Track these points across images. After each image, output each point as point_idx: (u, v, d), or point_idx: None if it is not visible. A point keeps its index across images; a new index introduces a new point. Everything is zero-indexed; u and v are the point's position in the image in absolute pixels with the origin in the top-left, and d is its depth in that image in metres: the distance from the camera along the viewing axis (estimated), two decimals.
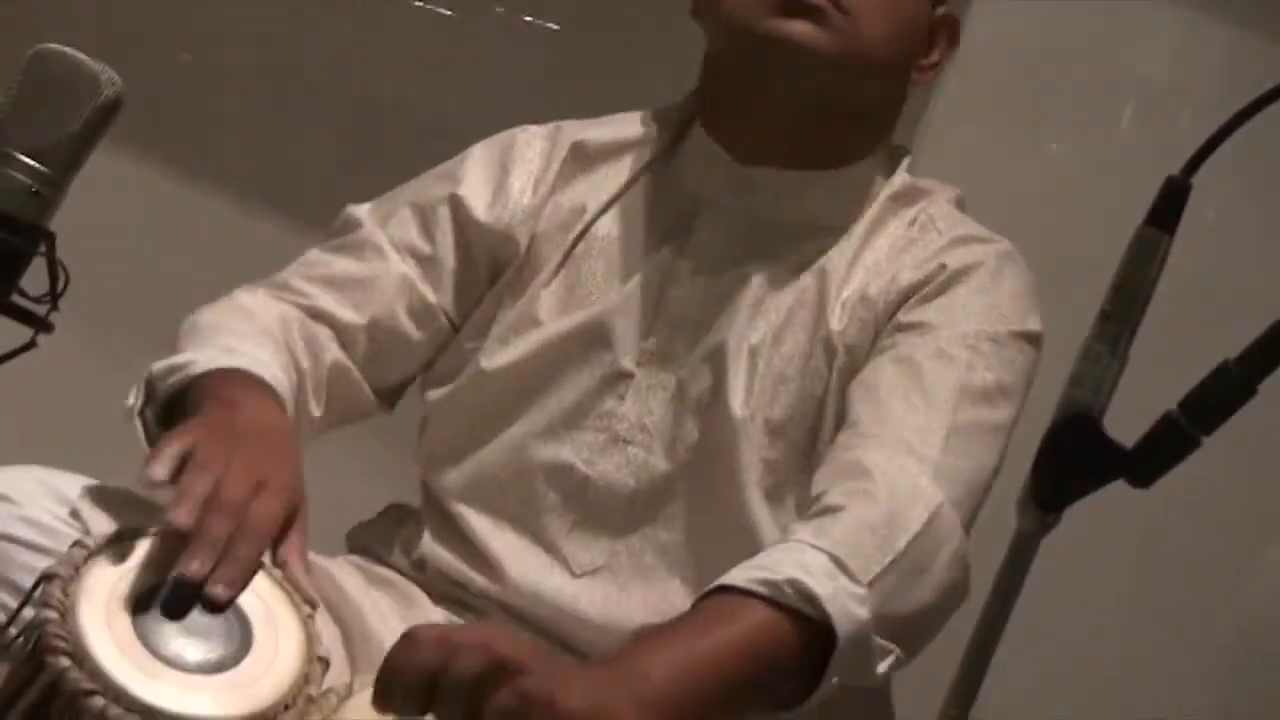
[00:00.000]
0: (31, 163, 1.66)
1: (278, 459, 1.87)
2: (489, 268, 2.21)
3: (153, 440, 1.97)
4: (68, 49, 1.70)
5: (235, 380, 1.97)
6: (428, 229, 2.21)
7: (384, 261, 2.19)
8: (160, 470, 1.79)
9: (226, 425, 1.88)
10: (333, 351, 2.15)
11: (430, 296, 2.20)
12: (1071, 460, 1.43)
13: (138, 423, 2.01)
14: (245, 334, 2.06)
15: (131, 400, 2.00)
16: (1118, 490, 1.47)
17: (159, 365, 1.99)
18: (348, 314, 2.17)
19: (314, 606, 1.85)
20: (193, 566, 1.76)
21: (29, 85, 1.68)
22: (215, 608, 1.80)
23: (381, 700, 1.69)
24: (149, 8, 2.80)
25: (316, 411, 2.14)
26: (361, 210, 2.23)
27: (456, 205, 2.21)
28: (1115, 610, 2.57)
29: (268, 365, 2.02)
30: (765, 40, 2.12)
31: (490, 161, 2.24)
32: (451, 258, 2.20)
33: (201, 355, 1.99)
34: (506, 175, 2.23)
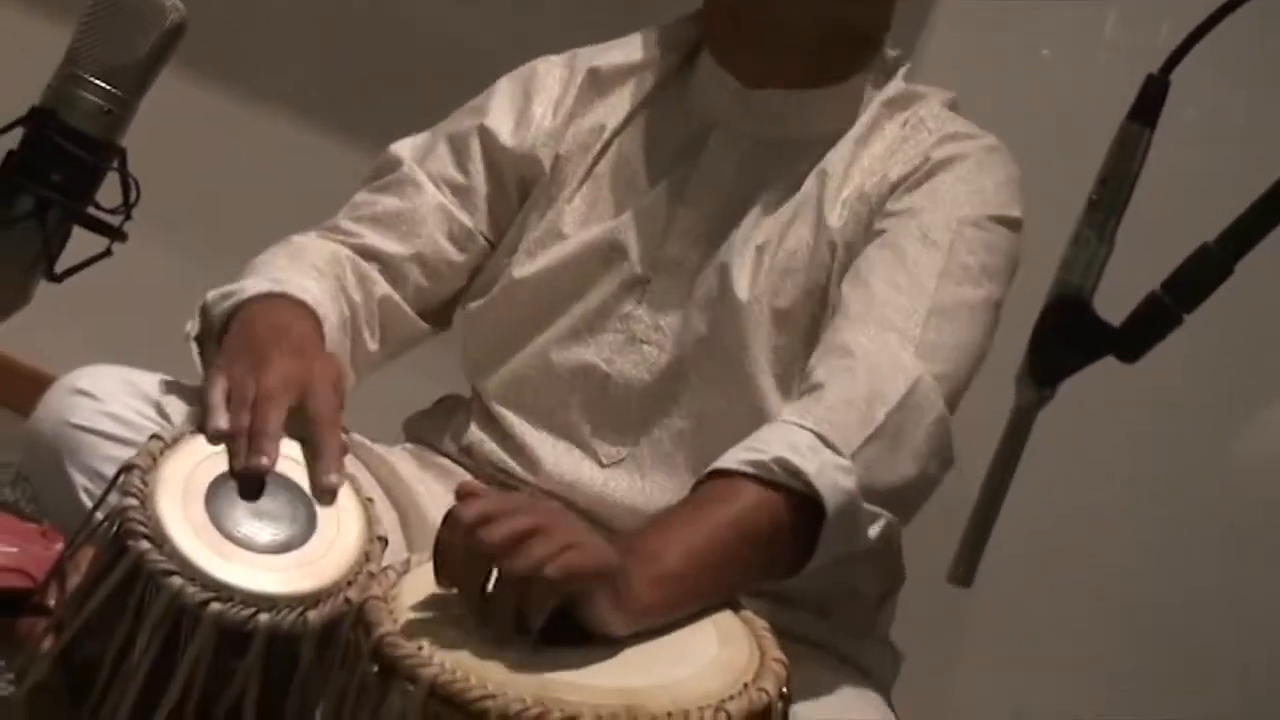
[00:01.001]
0: (103, 84, 1.66)
1: (289, 365, 1.88)
2: (519, 189, 2.22)
3: (208, 363, 2.00)
4: None
5: (274, 305, 1.99)
6: (461, 160, 2.22)
7: (422, 195, 2.21)
8: (221, 422, 1.84)
9: (249, 352, 1.90)
10: (383, 286, 2.17)
11: (468, 221, 2.21)
12: (1063, 338, 1.44)
13: (193, 347, 2.03)
14: (295, 268, 2.08)
15: (189, 328, 2.03)
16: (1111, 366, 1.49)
17: (212, 294, 2.02)
18: (394, 247, 2.19)
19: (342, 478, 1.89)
20: (261, 461, 1.81)
21: (100, 13, 1.67)
22: (260, 489, 1.84)
23: (439, 576, 1.73)
24: None
25: (373, 345, 2.16)
26: (400, 148, 2.25)
27: (485, 135, 2.22)
28: (1112, 482, 2.58)
29: (311, 292, 2.04)
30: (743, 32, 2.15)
31: (514, 92, 2.25)
32: (484, 184, 2.22)
33: (250, 284, 2.01)
34: (529, 102, 2.24)
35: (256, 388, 1.86)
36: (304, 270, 2.08)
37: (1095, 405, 2.22)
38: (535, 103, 2.24)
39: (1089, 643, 2.61)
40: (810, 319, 2.10)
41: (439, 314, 2.26)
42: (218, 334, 2.00)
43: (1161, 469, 2.54)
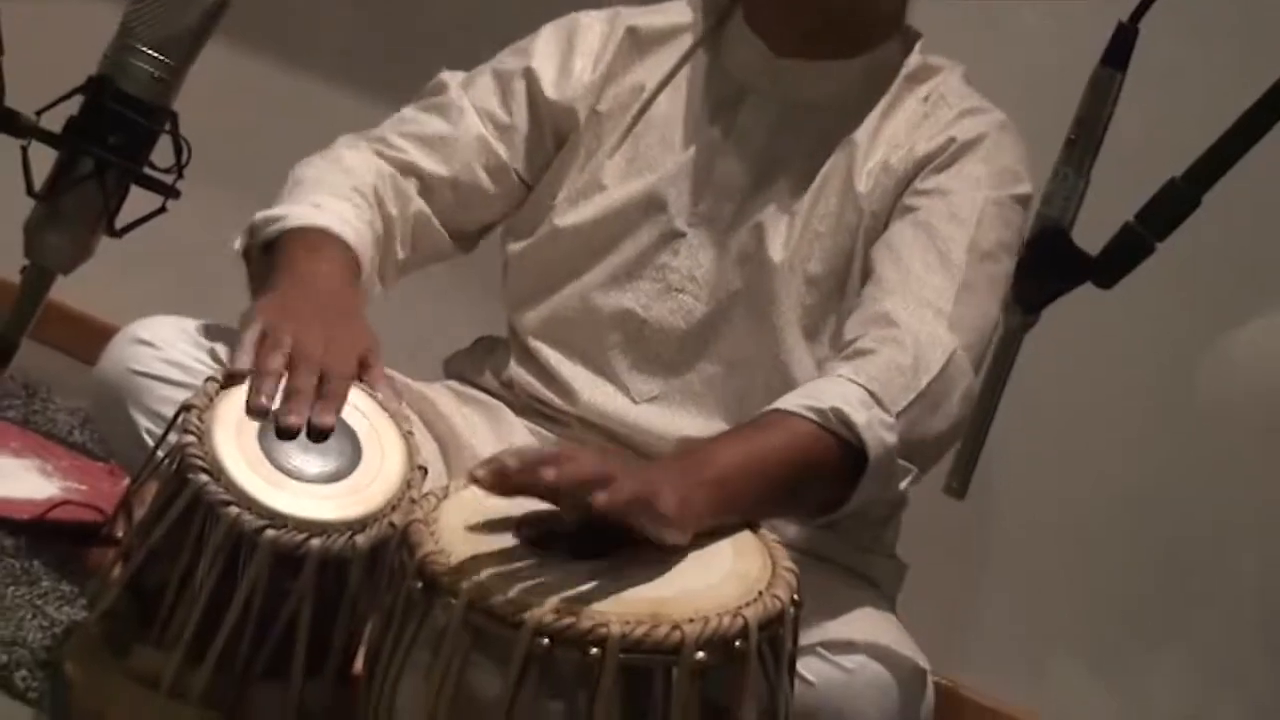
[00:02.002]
0: (155, 54, 1.67)
1: (341, 319, 1.92)
2: (554, 136, 2.22)
3: (255, 276, 2.02)
4: None
5: (316, 243, 2.00)
6: (505, 98, 2.22)
7: (465, 123, 2.20)
8: (244, 359, 1.84)
9: (295, 298, 1.92)
10: (417, 203, 2.17)
11: (504, 156, 2.21)
12: (1046, 267, 1.45)
13: (243, 261, 2.04)
14: (336, 191, 2.08)
15: (237, 245, 2.03)
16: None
17: (259, 216, 2.02)
18: (434, 167, 2.19)
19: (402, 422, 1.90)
20: (290, 419, 1.81)
21: None
22: (322, 436, 1.84)
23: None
24: None
25: (402, 254, 2.17)
26: (451, 76, 2.24)
27: (530, 77, 2.22)
28: (1098, 394, 2.58)
29: (350, 222, 2.05)
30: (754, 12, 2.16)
31: (559, 39, 2.24)
32: (525, 124, 2.22)
33: (294, 210, 2.02)
34: (571, 54, 2.23)
35: (323, 357, 1.86)
36: (345, 193, 2.09)
37: (1083, 328, 2.24)
38: (577, 55, 2.23)
39: (1086, 546, 2.63)
40: (837, 280, 2.12)
41: (466, 236, 2.26)
42: (262, 250, 2.02)
43: (1144, 380, 2.54)
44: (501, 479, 1.64)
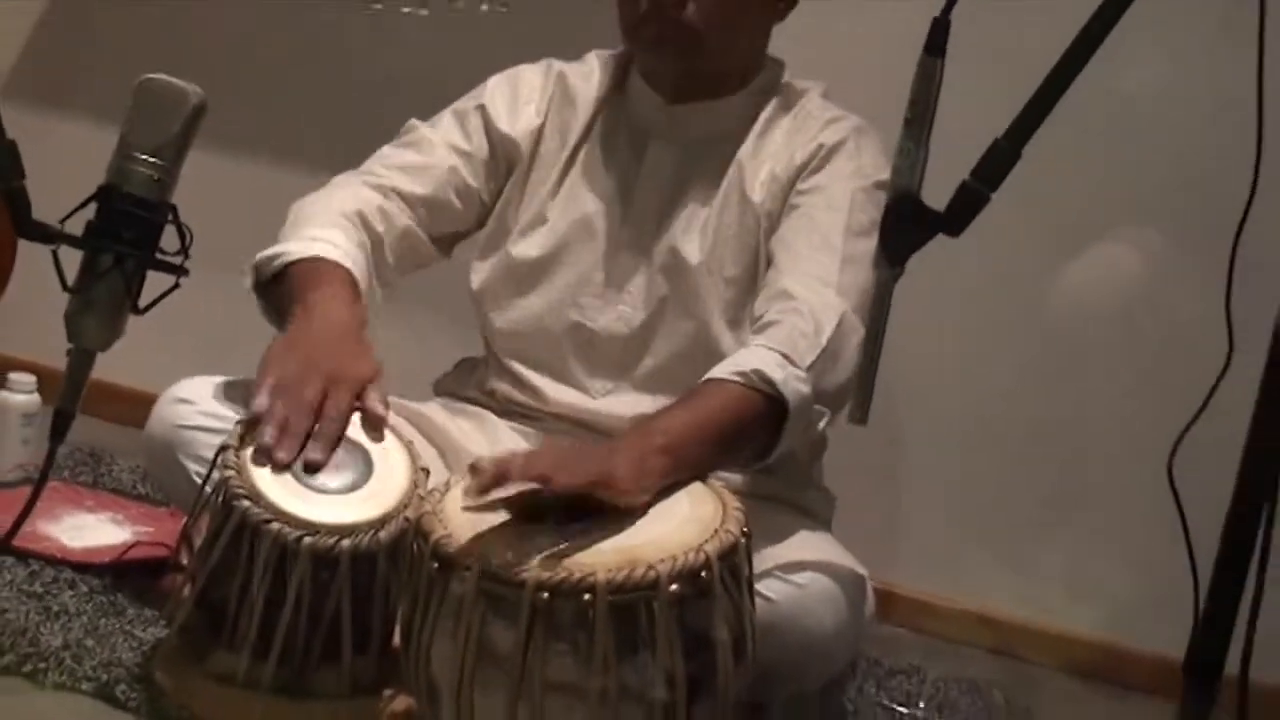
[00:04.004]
0: (151, 159, 1.66)
1: (342, 355, 1.90)
2: (505, 163, 2.22)
3: (267, 307, 2.01)
4: (163, 75, 1.70)
5: (316, 271, 1.99)
6: (465, 130, 2.22)
7: (436, 153, 2.20)
8: (263, 401, 1.84)
9: (301, 340, 1.91)
10: (403, 219, 2.17)
11: (470, 181, 2.21)
12: (903, 225, 1.45)
13: (254, 295, 2.03)
14: (326, 221, 2.08)
15: (247, 284, 2.02)
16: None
17: (261, 255, 2.01)
18: (412, 188, 2.18)
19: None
20: (279, 455, 1.81)
21: (139, 105, 1.67)
22: (317, 468, 1.84)
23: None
24: (219, 39, 2.80)
25: (391, 260, 2.16)
26: (419, 122, 2.24)
27: (484, 113, 2.22)
28: (977, 324, 2.59)
29: (340, 245, 2.05)
30: (638, 51, 2.16)
31: (507, 85, 2.24)
32: (483, 151, 2.21)
33: (291, 246, 2.02)
34: (516, 98, 2.23)
35: (327, 401, 1.86)
36: (335, 220, 2.09)
37: (954, 272, 2.25)
38: (522, 100, 2.23)
39: (983, 455, 2.64)
40: (749, 276, 2.12)
41: (443, 243, 2.24)
42: (269, 285, 2.01)
43: (1010, 308, 2.55)
44: (486, 486, 1.68)
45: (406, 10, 2.72)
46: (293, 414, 1.83)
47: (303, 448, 1.84)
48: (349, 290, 2.01)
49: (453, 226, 2.24)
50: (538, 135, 2.22)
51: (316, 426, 1.84)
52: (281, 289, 1.99)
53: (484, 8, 2.68)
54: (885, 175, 2.07)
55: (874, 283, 1.96)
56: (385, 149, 2.23)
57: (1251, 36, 1.50)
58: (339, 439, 1.86)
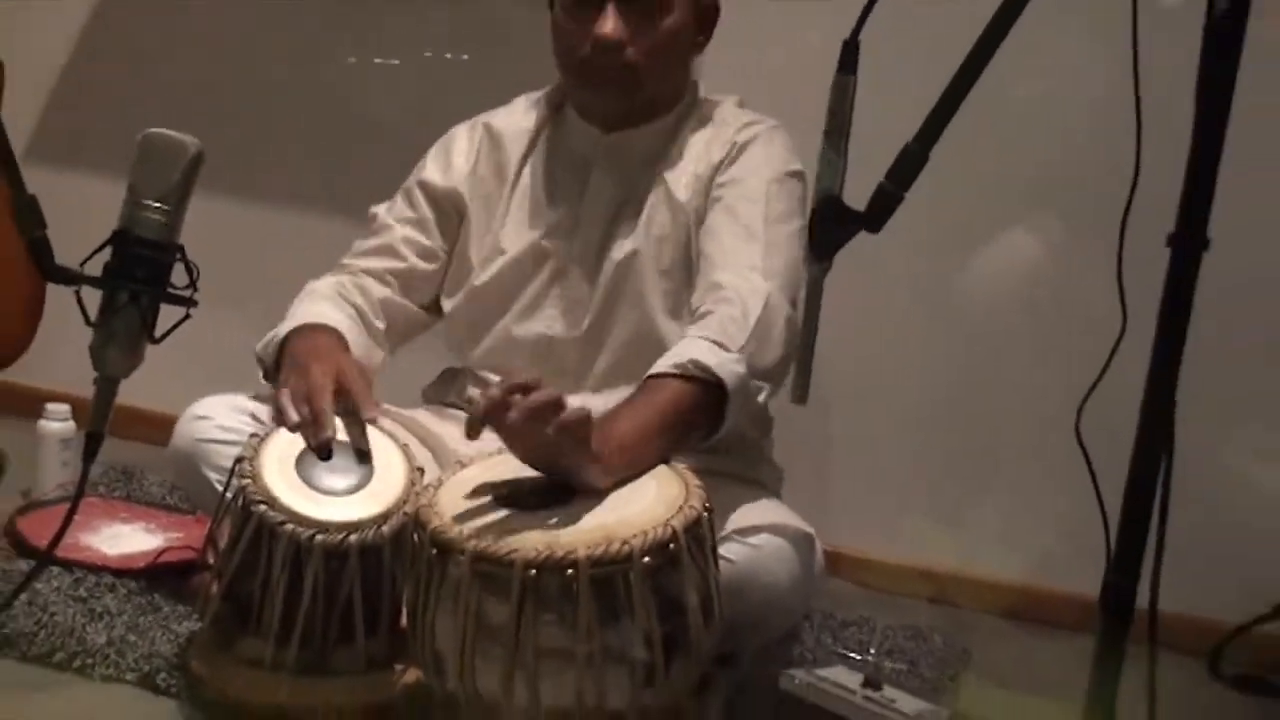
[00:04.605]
0: (157, 204, 1.65)
1: (319, 363, 1.93)
2: (455, 213, 2.20)
3: (273, 382, 2.02)
4: (164, 129, 1.69)
5: (303, 333, 2.02)
6: (412, 203, 2.21)
7: (393, 233, 2.20)
8: (292, 417, 1.88)
9: (297, 368, 1.95)
10: (379, 291, 2.17)
11: (426, 241, 2.20)
12: (828, 225, 1.45)
13: (260, 374, 2.06)
14: (312, 306, 2.09)
15: (260, 373, 2.05)
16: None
17: (258, 346, 2.05)
18: (381, 265, 2.18)
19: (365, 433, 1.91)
20: (312, 443, 1.86)
21: (143, 157, 1.66)
22: (330, 453, 1.87)
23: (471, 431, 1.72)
24: (216, 94, 2.79)
25: (381, 325, 2.16)
26: (379, 208, 2.23)
27: (423, 185, 2.21)
28: (898, 310, 2.59)
29: (326, 314, 2.07)
30: (578, 89, 2.14)
31: (439, 153, 2.24)
32: (431, 213, 2.20)
33: (282, 328, 2.04)
34: (449, 156, 2.22)
35: (307, 386, 1.89)
36: (317, 303, 2.10)
37: (874, 267, 2.25)
38: (454, 155, 2.22)
39: (909, 425, 2.64)
40: (684, 268, 2.10)
41: (430, 308, 2.24)
42: (274, 367, 2.02)
43: (924, 301, 2.55)
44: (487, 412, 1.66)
45: (378, 61, 2.71)
46: (300, 408, 1.88)
47: (319, 429, 1.87)
48: (330, 336, 2.03)
49: (431, 288, 2.23)
50: (473, 178, 2.20)
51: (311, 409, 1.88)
52: (283, 364, 2.01)
53: (447, 56, 2.67)
54: (796, 166, 2.12)
55: (799, 265, 1.99)
56: (355, 243, 2.23)
57: (1127, 45, 1.50)
58: (330, 403, 1.89)
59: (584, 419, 1.68)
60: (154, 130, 1.69)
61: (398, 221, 2.21)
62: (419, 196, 2.21)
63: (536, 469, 1.76)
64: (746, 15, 2.24)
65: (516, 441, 1.71)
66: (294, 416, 1.88)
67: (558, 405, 1.66)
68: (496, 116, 2.24)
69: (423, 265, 2.20)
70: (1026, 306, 2.46)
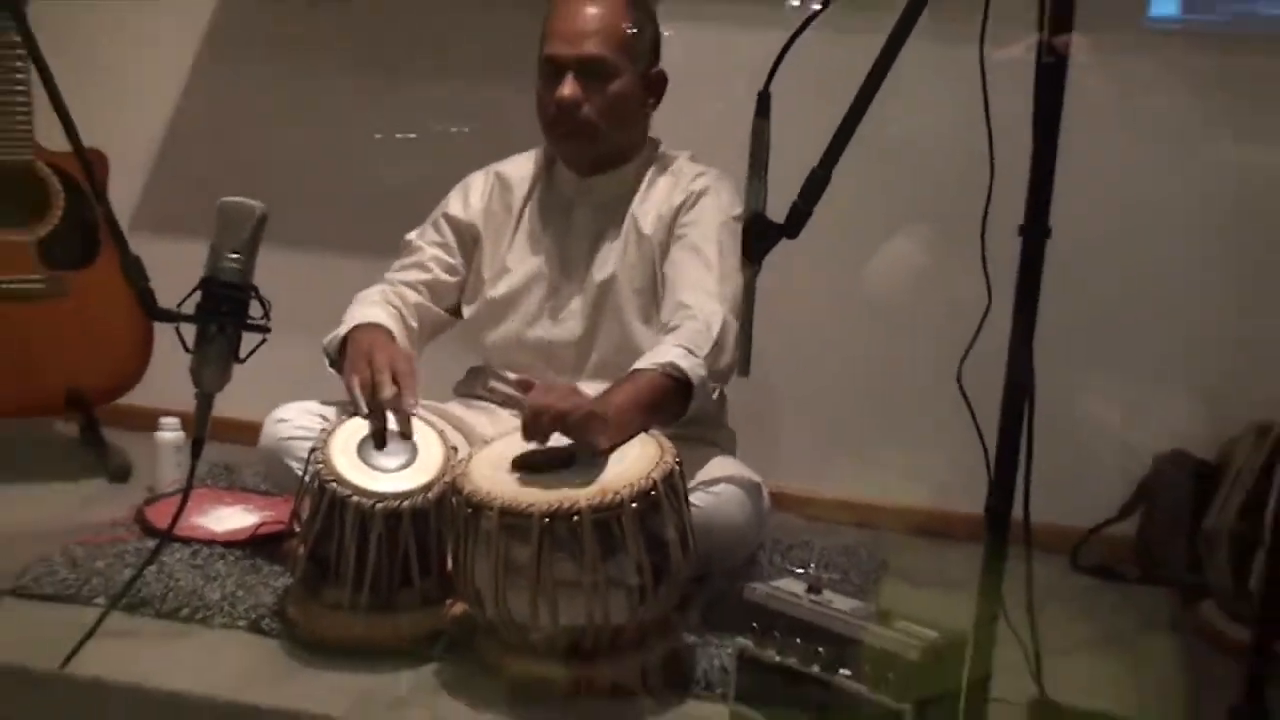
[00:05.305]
0: (234, 254, 1.64)
1: (379, 354, 1.94)
2: (472, 240, 2.19)
3: (340, 370, 2.01)
4: (236, 197, 1.68)
5: (362, 329, 2.02)
6: (439, 231, 2.20)
7: (425, 252, 2.18)
8: (363, 404, 1.90)
9: (358, 358, 1.95)
10: (413, 297, 2.16)
11: (450, 260, 2.19)
12: (756, 235, 1.43)
13: (327, 363, 2.06)
14: (365, 309, 2.08)
15: (327, 363, 2.05)
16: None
17: (325, 340, 2.05)
18: (415, 278, 2.17)
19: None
20: (375, 424, 1.87)
21: (221, 218, 1.65)
22: (398, 435, 1.88)
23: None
24: (277, 165, 2.77)
25: (414, 325, 2.15)
26: (411, 235, 2.22)
27: (448, 216, 2.19)
28: (807, 303, 2.58)
29: (377, 316, 2.06)
30: (552, 143, 2.13)
31: (460, 192, 2.22)
32: (453, 239, 2.19)
33: (342, 329, 2.04)
34: (468, 195, 2.20)
35: (370, 370, 1.90)
36: (369, 306, 2.10)
37: (795, 265, 2.24)
38: (471, 194, 2.20)
39: (829, 389, 2.61)
40: (650, 286, 2.09)
41: (452, 310, 2.22)
42: (338, 356, 2.02)
43: (838, 289, 2.52)
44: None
45: (399, 136, 2.71)
46: (377, 384, 1.90)
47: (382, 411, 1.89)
48: (382, 333, 2.02)
49: (452, 295, 2.21)
50: (486, 213, 2.19)
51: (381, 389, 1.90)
52: (346, 356, 2.01)
53: (452, 129, 2.66)
54: (739, 210, 2.05)
55: (743, 278, 1.97)
56: (395, 263, 2.22)
57: (978, 87, 1.50)
58: (400, 381, 1.90)
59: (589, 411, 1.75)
60: (228, 198, 1.68)
61: (428, 244, 2.19)
62: (444, 225, 2.20)
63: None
64: (688, 76, 2.22)
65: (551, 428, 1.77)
66: (365, 408, 1.90)
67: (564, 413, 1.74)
68: (505, 166, 2.22)
69: (446, 278, 2.19)
70: (915, 290, 2.45)
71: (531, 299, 2.15)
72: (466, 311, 2.20)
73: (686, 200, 2.09)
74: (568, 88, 2.01)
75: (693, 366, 1.87)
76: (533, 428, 1.76)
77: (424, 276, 2.18)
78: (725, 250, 2.03)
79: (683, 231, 2.07)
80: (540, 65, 2.06)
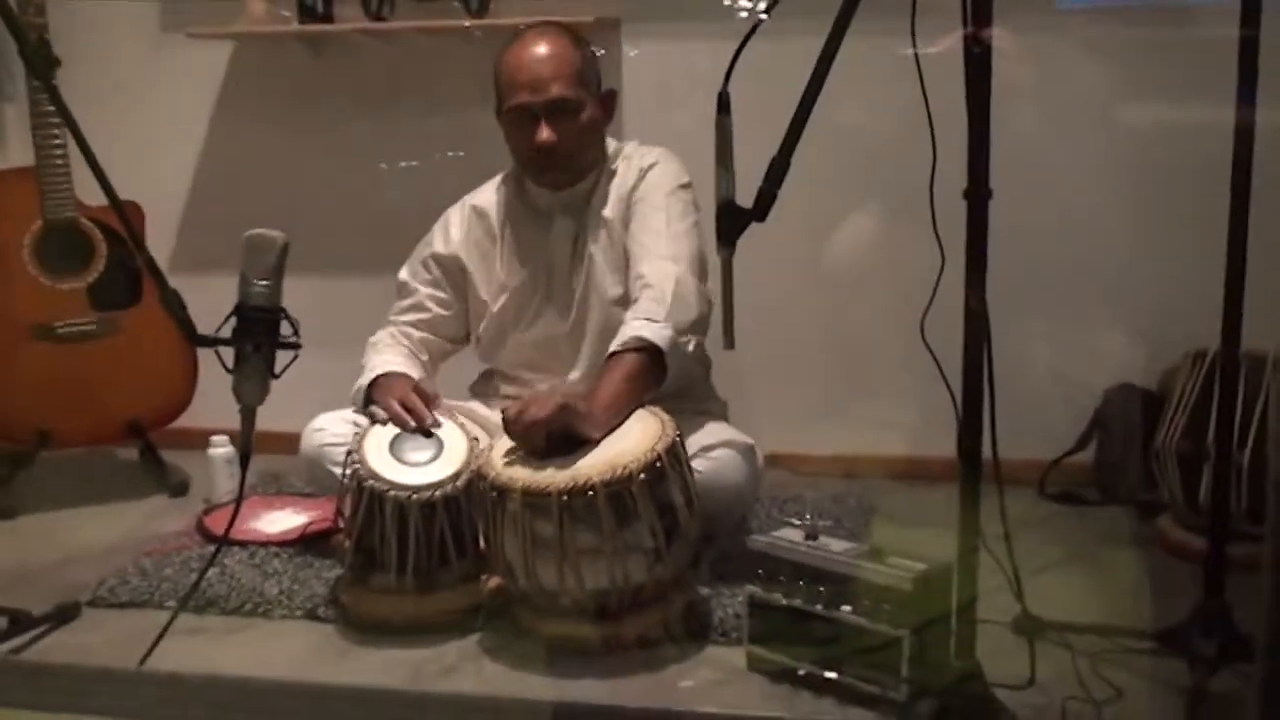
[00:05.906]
0: (262, 281, 1.62)
1: (400, 385, 1.97)
2: (459, 271, 2.15)
3: (368, 414, 2.01)
4: (260, 229, 1.66)
5: (386, 378, 2.03)
6: (428, 269, 2.17)
7: (419, 294, 2.17)
8: (410, 421, 1.91)
9: (385, 391, 1.97)
10: (418, 334, 2.16)
11: (443, 295, 2.17)
12: (728, 219, 1.42)
13: (359, 407, 2.05)
14: (384, 356, 2.10)
15: (359, 411, 2.04)
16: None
17: (353, 391, 2.06)
18: (415, 318, 2.17)
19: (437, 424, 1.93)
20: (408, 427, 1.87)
21: (248, 249, 1.63)
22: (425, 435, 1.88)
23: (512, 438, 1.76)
24: (299, 196, 2.75)
25: (424, 358, 2.15)
26: (402, 274, 2.20)
27: (433, 254, 2.17)
28: (783, 278, 2.56)
29: (395, 363, 2.07)
30: (529, 176, 2.09)
31: (441, 229, 2.18)
32: (441, 274, 2.17)
33: (364, 377, 2.05)
34: (448, 231, 2.17)
35: (401, 400, 1.92)
36: (384, 353, 2.11)
37: (767, 244, 2.22)
38: (451, 229, 2.17)
39: (799, 359, 2.60)
40: (624, 269, 2.05)
41: (455, 338, 2.21)
42: (365, 400, 2.02)
43: (806, 264, 2.51)
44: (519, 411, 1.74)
45: (402, 164, 2.70)
46: (395, 414, 1.91)
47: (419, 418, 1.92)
48: (404, 379, 2.03)
49: (450, 327, 2.19)
50: (467, 244, 2.16)
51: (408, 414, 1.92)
52: (376, 396, 2.02)
53: (449, 154, 2.65)
54: (685, 180, 2.08)
55: (700, 248, 1.97)
56: (394, 304, 2.20)
57: (914, 75, 1.49)
58: (421, 410, 1.92)
59: (565, 408, 1.74)
60: (253, 231, 1.66)
61: (421, 285, 2.17)
62: (432, 264, 2.17)
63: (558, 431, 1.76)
64: (656, 90, 2.20)
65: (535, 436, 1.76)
66: (411, 422, 1.92)
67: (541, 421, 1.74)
68: (476, 197, 2.19)
69: (442, 311, 2.17)
70: (875, 258, 2.44)
71: (530, 305, 2.13)
72: (476, 329, 2.19)
73: (638, 178, 2.07)
74: (544, 133, 1.99)
75: (656, 332, 1.85)
76: (526, 446, 1.76)
77: (423, 316, 2.17)
78: (673, 215, 2.01)
79: (635, 207, 2.05)
80: (507, 115, 2.03)
